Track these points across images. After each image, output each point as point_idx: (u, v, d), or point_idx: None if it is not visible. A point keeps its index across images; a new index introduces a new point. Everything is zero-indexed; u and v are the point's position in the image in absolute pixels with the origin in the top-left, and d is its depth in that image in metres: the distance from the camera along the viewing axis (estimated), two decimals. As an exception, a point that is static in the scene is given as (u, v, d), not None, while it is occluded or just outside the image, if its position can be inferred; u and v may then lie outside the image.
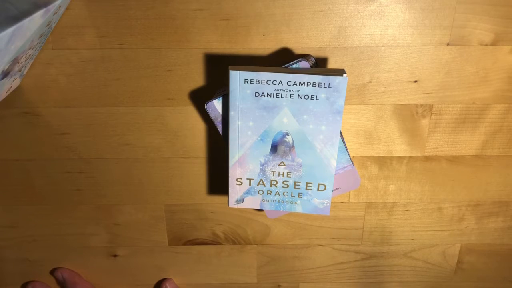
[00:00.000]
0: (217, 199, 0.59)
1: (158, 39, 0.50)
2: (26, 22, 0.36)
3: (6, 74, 0.43)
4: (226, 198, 0.59)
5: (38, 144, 0.56)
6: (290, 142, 0.48)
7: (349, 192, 0.59)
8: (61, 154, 0.56)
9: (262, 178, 0.50)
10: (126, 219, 0.60)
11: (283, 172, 0.49)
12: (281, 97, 0.45)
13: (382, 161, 0.57)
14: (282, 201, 0.51)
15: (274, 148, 0.48)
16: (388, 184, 0.59)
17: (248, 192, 0.51)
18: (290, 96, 0.45)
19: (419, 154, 0.57)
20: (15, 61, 0.43)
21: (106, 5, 0.49)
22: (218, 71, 0.52)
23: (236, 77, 0.45)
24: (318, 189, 0.50)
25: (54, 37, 0.50)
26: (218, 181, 0.58)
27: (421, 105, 0.54)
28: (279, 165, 0.49)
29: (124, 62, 0.52)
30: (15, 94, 0.53)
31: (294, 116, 0.46)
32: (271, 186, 0.50)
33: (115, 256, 0.63)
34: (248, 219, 0.61)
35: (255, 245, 0.62)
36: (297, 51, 0.51)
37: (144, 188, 0.58)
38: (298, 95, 0.45)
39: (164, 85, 0.53)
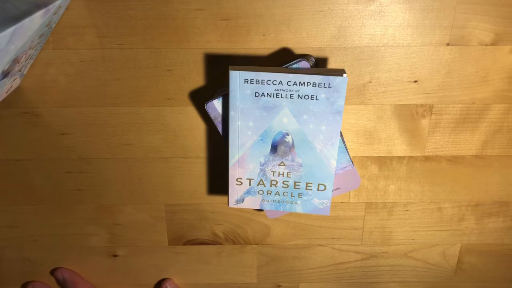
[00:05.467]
0: (217, 199, 0.59)
1: (158, 39, 0.50)
2: (26, 22, 0.36)
3: (6, 74, 0.43)
4: (226, 198, 0.59)
5: (38, 144, 0.56)
6: (290, 142, 0.48)
7: (349, 192, 0.59)
8: (61, 154, 0.56)
9: (262, 178, 0.50)
10: (126, 219, 0.60)
11: (283, 172, 0.49)
12: (281, 97, 0.45)
13: (382, 161, 0.57)
14: (282, 201, 0.51)
15: (274, 148, 0.48)
16: (388, 184, 0.59)
17: (248, 192, 0.51)
18: (290, 96, 0.45)
19: (419, 154, 0.57)
20: (15, 61, 0.43)
21: (106, 5, 0.49)
22: (218, 71, 0.52)
23: (236, 77, 0.45)
24: (318, 189, 0.50)
25: (54, 37, 0.50)
26: (218, 181, 0.58)
27: (421, 105, 0.54)
28: (279, 165, 0.49)
29: (124, 62, 0.52)
30: (15, 94, 0.53)
31: (294, 116, 0.46)
32: (271, 186, 0.50)
33: (115, 256, 0.63)
34: (248, 219, 0.61)
35: (255, 245, 0.62)
36: (297, 51, 0.51)
37: (144, 188, 0.58)
38: (298, 95, 0.45)
39: (164, 85, 0.53)
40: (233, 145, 0.48)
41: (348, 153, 0.52)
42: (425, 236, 0.62)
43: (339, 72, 0.44)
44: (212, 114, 0.49)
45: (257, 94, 0.45)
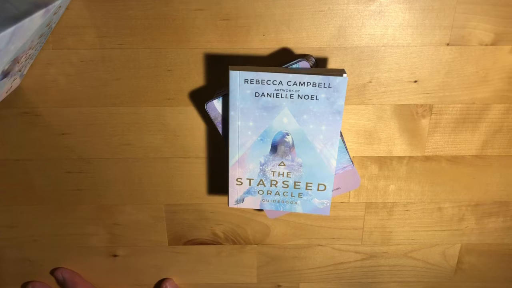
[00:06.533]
0: (217, 199, 0.59)
1: (158, 39, 0.50)
2: (26, 22, 0.36)
3: (6, 74, 0.43)
4: (226, 198, 0.59)
5: (38, 144, 0.56)
6: (290, 142, 0.48)
7: (349, 192, 0.59)
8: (61, 154, 0.56)
9: (262, 178, 0.50)
10: (126, 219, 0.60)
11: (283, 172, 0.49)
12: (281, 97, 0.45)
13: (382, 161, 0.57)
14: (282, 201, 0.51)
15: (274, 148, 0.48)
16: (388, 184, 0.59)
17: (248, 192, 0.51)
18: (290, 96, 0.45)
19: (419, 154, 0.57)
20: (15, 61, 0.43)
21: (106, 5, 0.49)
22: (218, 71, 0.52)
23: (236, 77, 0.45)
24: (318, 189, 0.50)
25: (54, 37, 0.50)
26: (218, 181, 0.58)
27: (421, 105, 0.54)
28: (279, 165, 0.49)
29: (124, 62, 0.52)
30: (15, 94, 0.53)
31: (294, 116, 0.46)
32: (271, 186, 0.50)
33: (115, 256, 0.63)
34: (248, 219, 0.61)
35: (255, 245, 0.62)
36: (297, 51, 0.51)
37: (144, 188, 0.58)
38: (298, 95, 0.45)
39: (164, 85, 0.53)
40: (233, 145, 0.48)
41: (348, 153, 0.52)
42: (425, 236, 0.62)
43: (339, 72, 0.44)
44: (212, 114, 0.49)
45: (257, 94, 0.45)
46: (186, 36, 0.50)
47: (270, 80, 0.45)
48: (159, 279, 0.65)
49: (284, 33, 0.50)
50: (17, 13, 0.36)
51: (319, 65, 0.52)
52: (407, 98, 0.54)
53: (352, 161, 0.53)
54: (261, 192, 0.51)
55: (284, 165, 0.49)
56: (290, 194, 0.50)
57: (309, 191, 0.50)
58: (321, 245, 0.63)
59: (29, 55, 0.46)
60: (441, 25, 0.50)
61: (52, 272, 0.64)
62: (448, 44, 0.51)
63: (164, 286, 0.63)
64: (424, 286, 0.66)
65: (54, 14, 0.44)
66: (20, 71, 0.48)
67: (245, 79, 0.45)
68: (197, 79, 0.53)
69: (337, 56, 0.51)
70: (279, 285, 0.65)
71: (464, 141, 0.56)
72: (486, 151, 0.57)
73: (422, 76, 0.53)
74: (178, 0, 0.49)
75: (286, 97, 0.45)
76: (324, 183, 0.49)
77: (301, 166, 0.49)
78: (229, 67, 0.45)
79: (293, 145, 0.48)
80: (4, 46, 0.35)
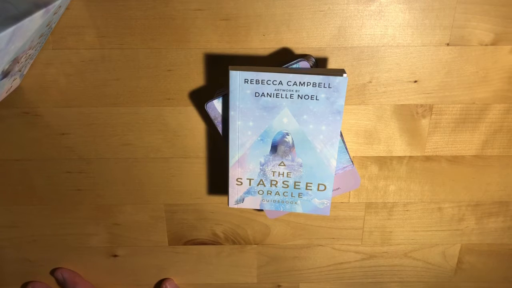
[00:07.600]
0: (217, 199, 0.59)
1: (158, 39, 0.50)
2: (26, 22, 0.36)
3: (6, 74, 0.43)
4: (226, 198, 0.59)
5: (38, 144, 0.56)
6: (290, 142, 0.48)
7: (349, 192, 0.59)
8: (61, 154, 0.56)
9: (262, 178, 0.50)
10: (126, 219, 0.60)
11: (283, 172, 0.49)
12: (281, 97, 0.45)
13: (382, 161, 0.57)
14: (282, 201, 0.51)
15: (274, 148, 0.48)
16: (388, 184, 0.59)
17: (248, 192, 0.51)
18: (290, 96, 0.45)
19: (419, 154, 0.57)
20: (15, 61, 0.43)
21: (106, 5, 0.49)
22: (218, 71, 0.52)
23: (236, 77, 0.45)
24: (318, 189, 0.50)
25: (54, 37, 0.50)
26: (218, 181, 0.58)
27: (421, 105, 0.54)
28: (279, 165, 0.49)
29: (124, 62, 0.52)
30: (15, 94, 0.53)
31: (294, 116, 0.46)
32: (271, 186, 0.50)
33: (115, 256, 0.63)
34: (248, 219, 0.61)
35: (255, 245, 0.62)
36: (297, 51, 0.51)
37: (144, 188, 0.58)
38: (298, 95, 0.45)
39: (164, 85, 0.53)
40: (233, 145, 0.48)
41: (348, 153, 0.52)
42: (425, 236, 0.62)
43: (339, 72, 0.44)
44: (212, 114, 0.49)
45: (257, 94, 0.45)
46: (186, 36, 0.50)
47: (270, 80, 0.45)
48: (159, 279, 0.65)
49: (284, 33, 0.50)
50: (17, 13, 0.36)
51: (319, 65, 0.52)
52: (407, 98, 0.54)
53: (352, 161, 0.53)
54: (261, 192, 0.51)
55: (284, 165, 0.49)
56: (290, 194, 0.50)
57: (309, 191, 0.50)
58: (321, 245, 0.63)
59: (29, 55, 0.46)
60: (441, 25, 0.50)
61: (52, 272, 0.64)
62: (448, 44, 0.51)
63: (164, 286, 0.63)
64: (424, 286, 0.66)
65: (54, 14, 0.44)
66: (20, 71, 0.48)
67: (245, 79, 0.45)
68: (197, 79, 0.53)
69: (337, 56, 0.51)
70: (279, 285, 0.65)
71: (464, 141, 0.56)
72: (486, 151, 0.57)
73: (422, 76, 0.53)
74: (178, 0, 0.49)
75: (286, 97, 0.45)
76: (324, 183, 0.49)
77: (301, 166, 0.49)
78: (229, 67, 0.45)
79: (293, 145, 0.48)
80: (4, 46, 0.35)
